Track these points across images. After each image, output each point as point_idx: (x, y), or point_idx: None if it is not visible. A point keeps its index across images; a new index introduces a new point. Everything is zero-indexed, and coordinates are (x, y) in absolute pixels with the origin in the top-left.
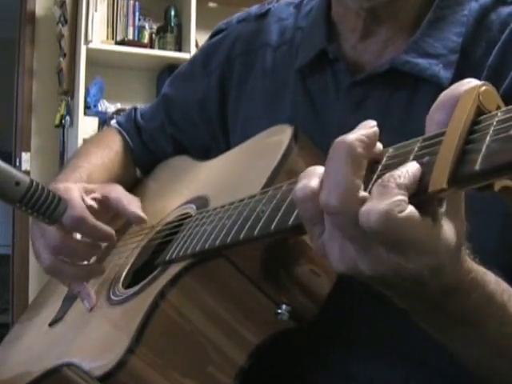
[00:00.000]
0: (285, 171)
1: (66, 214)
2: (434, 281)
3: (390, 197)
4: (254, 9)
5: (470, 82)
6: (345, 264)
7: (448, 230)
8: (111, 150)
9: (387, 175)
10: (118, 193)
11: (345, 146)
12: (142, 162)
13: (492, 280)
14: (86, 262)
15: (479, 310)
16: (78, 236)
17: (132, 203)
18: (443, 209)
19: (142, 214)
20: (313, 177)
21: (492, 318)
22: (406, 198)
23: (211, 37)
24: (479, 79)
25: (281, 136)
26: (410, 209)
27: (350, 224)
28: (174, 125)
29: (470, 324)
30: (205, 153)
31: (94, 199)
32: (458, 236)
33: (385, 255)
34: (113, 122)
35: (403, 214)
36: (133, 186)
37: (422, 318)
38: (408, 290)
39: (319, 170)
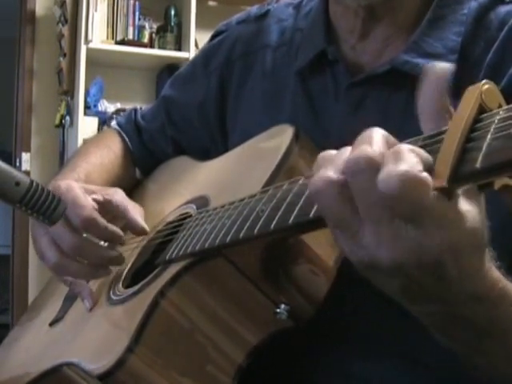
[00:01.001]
0: (285, 171)
1: (74, 213)
2: (455, 270)
3: (406, 159)
4: (254, 10)
5: (434, 66)
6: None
7: (469, 211)
8: (110, 150)
9: (397, 145)
10: (121, 198)
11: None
12: (141, 162)
13: None
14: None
15: (507, 320)
16: (85, 234)
17: (136, 211)
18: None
19: (145, 226)
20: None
21: None
22: (420, 161)
23: (211, 38)
24: (478, 78)
25: (282, 136)
26: (427, 174)
27: (369, 190)
28: (174, 126)
29: (497, 336)
30: (204, 154)
31: (95, 200)
32: (481, 222)
33: (403, 231)
34: (113, 123)
35: (423, 174)
36: (133, 187)
37: (448, 334)
38: (432, 292)
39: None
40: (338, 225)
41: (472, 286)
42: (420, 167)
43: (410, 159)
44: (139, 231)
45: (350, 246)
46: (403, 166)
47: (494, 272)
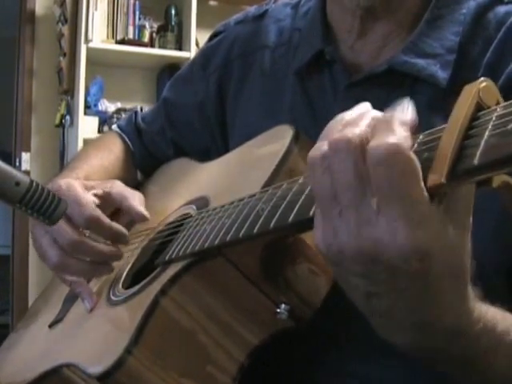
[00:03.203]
0: (285, 171)
1: (77, 212)
2: (418, 282)
3: (397, 132)
4: (252, 10)
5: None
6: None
7: (452, 228)
8: (111, 152)
9: (387, 114)
10: (120, 188)
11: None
12: (142, 164)
13: (499, 319)
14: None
15: (489, 352)
16: (88, 233)
17: (135, 199)
18: (444, 204)
19: (145, 212)
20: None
21: (502, 357)
22: (410, 135)
23: (210, 39)
24: (476, 78)
25: (282, 137)
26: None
27: (344, 170)
28: (174, 128)
29: (480, 363)
30: (205, 155)
31: (95, 195)
32: (462, 249)
33: (373, 217)
34: (114, 126)
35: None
36: (134, 189)
37: (430, 363)
38: (408, 317)
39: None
40: (319, 200)
41: (450, 320)
42: (410, 142)
43: (400, 132)
44: (139, 217)
45: (324, 231)
46: (392, 139)
47: (476, 310)
